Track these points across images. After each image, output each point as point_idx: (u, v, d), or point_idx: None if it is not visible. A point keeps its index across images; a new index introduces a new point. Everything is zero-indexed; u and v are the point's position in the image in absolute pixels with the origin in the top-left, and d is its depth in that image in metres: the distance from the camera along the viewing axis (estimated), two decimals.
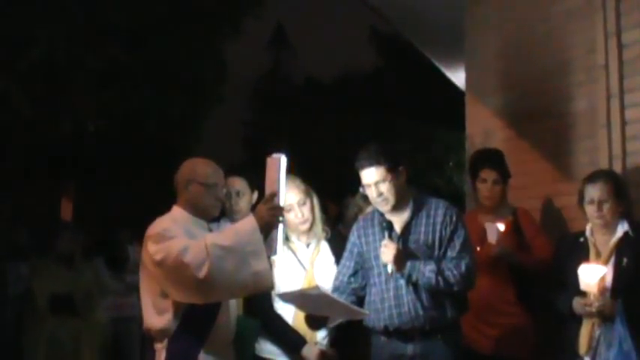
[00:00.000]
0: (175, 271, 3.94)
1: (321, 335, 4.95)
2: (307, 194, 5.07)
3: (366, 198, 4.96)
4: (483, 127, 6.94)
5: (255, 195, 5.58)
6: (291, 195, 4.95)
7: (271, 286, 4.17)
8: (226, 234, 4.05)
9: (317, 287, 4.48)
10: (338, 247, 5.07)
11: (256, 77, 32.77)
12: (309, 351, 4.85)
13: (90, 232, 10.18)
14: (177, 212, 4.35)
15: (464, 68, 7.49)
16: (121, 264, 8.99)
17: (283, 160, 4.01)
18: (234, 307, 4.50)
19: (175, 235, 4.07)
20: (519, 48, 6.61)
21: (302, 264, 5.04)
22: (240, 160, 24.52)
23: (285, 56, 34.05)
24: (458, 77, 9.12)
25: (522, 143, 6.42)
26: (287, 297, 4.65)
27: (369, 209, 5.25)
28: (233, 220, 5.13)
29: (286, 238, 5.05)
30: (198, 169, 4.39)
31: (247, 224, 3.97)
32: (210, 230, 4.37)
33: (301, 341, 4.87)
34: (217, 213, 4.54)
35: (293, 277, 4.98)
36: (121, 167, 15.45)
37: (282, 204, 4.01)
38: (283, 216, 4.06)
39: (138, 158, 15.38)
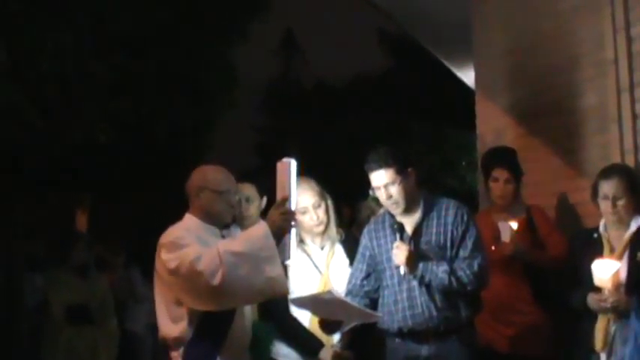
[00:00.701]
0: (189, 279, 3.94)
1: (338, 338, 4.94)
2: (322, 196, 5.06)
3: (378, 200, 4.96)
4: (494, 125, 6.92)
5: (264, 201, 5.58)
6: (306, 197, 4.96)
7: (286, 292, 4.17)
8: (239, 240, 4.05)
9: (330, 292, 4.48)
10: (352, 249, 5.05)
11: (267, 82, 32.80)
12: (326, 354, 4.84)
13: (109, 243, 10.21)
14: (189, 220, 4.36)
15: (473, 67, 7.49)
16: None
17: (293, 164, 4.00)
18: (249, 312, 4.49)
19: (188, 242, 4.08)
20: (527, 45, 6.60)
21: (317, 267, 5.04)
22: (253, 166, 24.51)
23: (295, 60, 34.05)
24: (468, 76, 9.10)
25: (533, 140, 6.40)
26: (300, 302, 4.64)
27: (381, 211, 5.25)
28: (242, 226, 5.13)
29: (301, 241, 5.06)
30: (209, 176, 4.39)
31: (260, 230, 3.97)
32: (223, 237, 4.36)
33: (318, 344, 4.86)
34: (230, 219, 4.54)
35: (308, 281, 4.98)
36: (134, 177, 15.47)
37: (293, 208, 4.01)
38: (295, 220, 4.05)
39: (151, 167, 15.40)
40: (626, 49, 5.48)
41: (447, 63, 9.94)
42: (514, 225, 5.42)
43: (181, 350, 4.15)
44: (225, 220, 4.42)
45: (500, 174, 5.67)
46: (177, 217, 4.42)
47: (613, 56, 5.58)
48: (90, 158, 13.09)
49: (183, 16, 13.11)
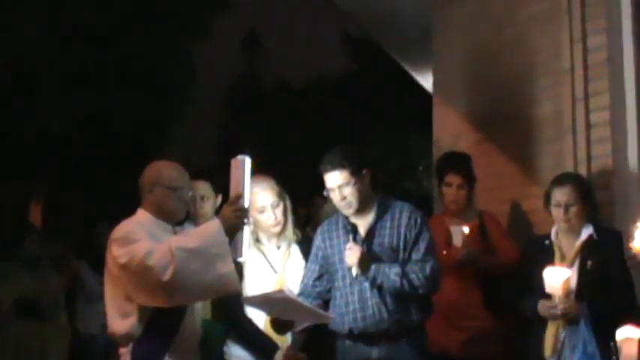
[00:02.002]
0: (140, 274, 3.91)
1: (291, 340, 4.91)
2: (281, 196, 5.03)
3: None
4: (451, 130, 6.97)
5: (220, 199, 5.56)
6: (264, 196, 4.94)
7: (237, 289, 4.14)
8: (191, 236, 4.03)
9: (281, 291, 4.46)
10: (308, 249, 5.04)
11: (229, 80, 32.73)
12: (281, 356, 4.81)
13: (66, 235, 10.06)
14: (142, 215, 4.32)
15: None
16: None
17: (247, 161, 3.98)
18: (199, 310, 4.47)
19: (140, 238, 4.04)
20: (486, 52, 6.65)
21: (273, 267, 5.01)
22: (213, 163, 24.43)
23: (257, 59, 34.01)
24: (427, 81, 9.15)
25: (490, 146, 6.45)
26: (252, 301, 4.62)
27: (326, 206, 5.27)
28: (197, 224, 5.11)
29: (257, 240, 5.04)
30: (163, 172, 4.35)
31: (212, 226, 3.95)
32: (175, 233, 4.33)
33: (273, 347, 4.81)
34: (183, 216, 4.52)
35: (264, 281, 4.94)
36: (91, 170, 15.35)
37: (246, 206, 3.99)
38: (248, 218, 4.04)
39: (108, 160, 15.29)
40: (583, 60, 5.54)
41: (407, 67, 9.99)
42: (466, 230, 5.44)
43: (130, 347, 4.11)
44: (177, 216, 4.39)
45: (454, 179, 5.70)
46: (130, 211, 4.39)
47: (569, 66, 5.63)
48: (43, 150, 12.95)
49: (146, 11, 13.05)
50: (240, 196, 3.96)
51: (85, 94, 12.21)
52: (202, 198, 5.54)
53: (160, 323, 4.11)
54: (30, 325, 7.38)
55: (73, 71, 11.79)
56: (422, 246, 4.60)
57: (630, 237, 3.41)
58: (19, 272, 7.52)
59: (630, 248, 3.40)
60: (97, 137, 14.12)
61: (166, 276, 3.81)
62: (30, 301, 7.38)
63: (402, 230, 4.62)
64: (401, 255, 4.60)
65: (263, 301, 4.51)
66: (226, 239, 3.92)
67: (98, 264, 4.34)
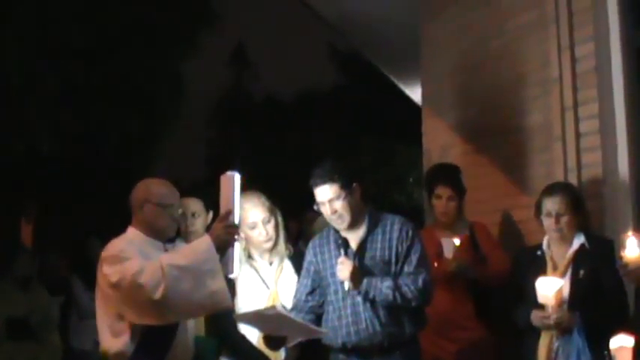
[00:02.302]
0: (131, 292, 3.90)
1: (284, 356, 4.90)
2: (272, 212, 5.02)
3: None
4: (440, 142, 6.97)
5: (211, 215, 5.55)
6: (256, 212, 4.93)
7: (228, 306, 4.12)
8: (182, 254, 4.02)
9: (273, 307, 4.46)
10: (300, 264, 5.02)
11: (217, 95, 32.74)
12: None
13: (57, 253, 10.01)
14: (132, 233, 4.31)
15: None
16: None
17: (237, 177, 3.98)
18: (192, 327, 4.45)
19: (131, 256, 4.03)
20: (474, 63, 6.66)
21: (265, 283, 5.00)
22: (202, 179, 24.40)
23: (245, 74, 34.03)
24: (416, 93, 9.16)
25: (479, 157, 6.45)
26: (244, 318, 4.62)
27: (319, 220, 5.26)
28: (188, 241, 5.09)
29: (249, 257, 5.04)
30: (153, 189, 4.35)
31: (203, 243, 3.95)
32: (166, 251, 4.32)
33: None
34: (173, 233, 4.50)
35: (257, 296, 4.94)
36: (80, 188, 15.33)
37: (237, 222, 3.98)
38: (238, 234, 4.03)
39: (97, 178, 15.27)
40: (571, 68, 5.54)
41: (395, 80, 10.00)
42: (457, 241, 5.44)
43: None
44: (168, 234, 4.38)
45: (443, 191, 5.69)
46: (120, 230, 4.37)
47: (558, 75, 5.63)
48: (32, 168, 12.92)
49: (133, 28, 13.05)
50: (230, 213, 3.96)
51: (74, 111, 12.19)
52: (194, 215, 5.53)
53: (152, 341, 4.10)
54: (21, 345, 7.34)
55: (61, 89, 11.77)
56: (414, 258, 4.59)
57: (622, 246, 3.40)
58: (10, 291, 7.50)
59: (621, 257, 3.39)
60: (86, 155, 14.10)
61: (157, 294, 3.81)
62: (21, 321, 7.35)
63: (394, 243, 4.61)
64: (393, 268, 4.60)
65: (255, 318, 4.49)
66: (217, 256, 3.92)
67: (91, 280, 4.32)
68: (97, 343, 6.83)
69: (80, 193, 15.42)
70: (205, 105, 30.76)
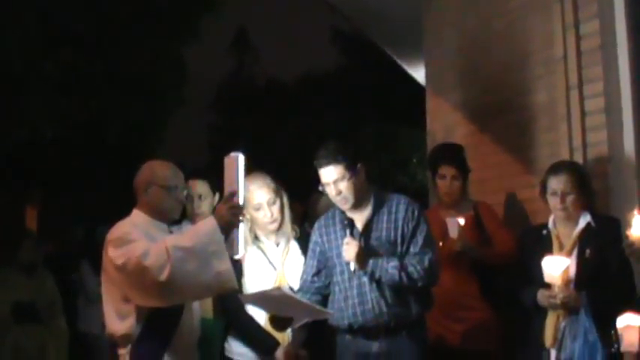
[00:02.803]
0: (137, 274, 3.90)
1: (292, 336, 4.89)
2: (277, 193, 5.01)
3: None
4: (444, 122, 6.95)
5: (217, 197, 5.54)
6: (261, 194, 4.92)
7: (234, 287, 4.11)
8: (187, 235, 4.02)
9: (278, 288, 4.46)
10: (306, 246, 5.02)
11: (219, 80, 32.70)
12: (282, 353, 4.80)
13: (59, 240, 10.04)
14: (137, 216, 4.31)
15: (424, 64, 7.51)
16: None
17: (241, 158, 3.96)
18: (197, 309, 4.46)
19: (136, 238, 4.04)
20: (478, 43, 6.63)
21: (272, 264, 5.00)
22: (205, 164, 24.40)
23: (247, 58, 33.96)
24: (419, 74, 9.13)
25: (484, 137, 6.44)
26: (250, 299, 4.62)
27: (323, 200, 5.25)
28: (195, 223, 5.09)
29: (256, 238, 5.04)
30: (157, 171, 4.34)
31: (207, 225, 3.94)
32: (171, 233, 4.33)
33: (274, 343, 4.81)
34: (178, 216, 4.50)
35: (264, 277, 4.93)
36: (84, 173, 15.35)
37: (241, 203, 3.97)
38: (243, 215, 4.02)
39: (101, 163, 15.28)
40: (575, 47, 5.51)
41: (398, 60, 9.97)
42: (461, 221, 5.43)
43: (129, 347, 4.10)
44: (173, 216, 4.38)
45: (447, 171, 5.68)
46: (125, 213, 4.37)
47: (562, 54, 5.60)
48: (36, 154, 12.93)
49: (135, 14, 13.02)
50: (234, 193, 3.94)
51: (76, 97, 12.17)
52: (200, 197, 5.54)
53: (158, 323, 4.11)
54: (28, 329, 7.39)
55: (64, 75, 11.74)
56: (420, 238, 4.58)
57: (628, 225, 3.38)
58: (16, 277, 7.54)
59: (628, 236, 3.37)
60: (90, 140, 14.10)
61: (163, 276, 3.81)
62: (27, 305, 7.39)
63: (400, 223, 4.61)
64: (399, 248, 4.59)
65: (261, 299, 4.50)
66: (222, 237, 3.91)
67: (98, 264, 4.32)
68: (104, 327, 6.86)
69: (85, 178, 15.44)
70: (208, 90, 30.72)
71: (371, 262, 4.50)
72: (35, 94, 11.24)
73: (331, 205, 4.86)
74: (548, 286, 4.57)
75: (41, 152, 13.55)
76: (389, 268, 4.48)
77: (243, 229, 4.04)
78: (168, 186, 4.28)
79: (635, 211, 3.38)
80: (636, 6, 5.39)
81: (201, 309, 4.65)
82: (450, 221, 5.46)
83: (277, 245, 5.07)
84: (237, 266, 4.41)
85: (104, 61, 12.75)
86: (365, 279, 4.56)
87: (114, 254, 4.01)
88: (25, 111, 11.11)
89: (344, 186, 4.56)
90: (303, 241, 5.08)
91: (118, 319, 4.12)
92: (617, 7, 5.36)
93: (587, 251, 4.65)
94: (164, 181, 4.29)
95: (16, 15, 10.30)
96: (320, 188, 4.70)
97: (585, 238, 4.70)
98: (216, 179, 5.35)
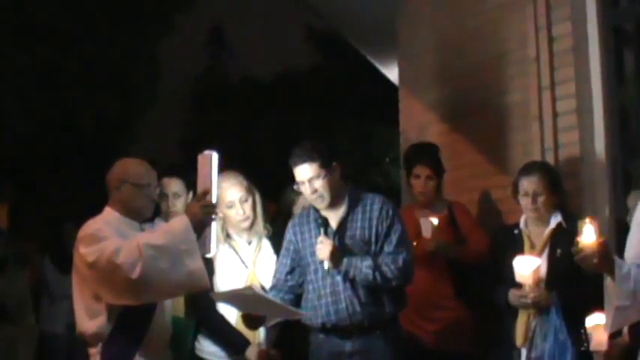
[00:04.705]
0: (108, 272, 3.88)
1: (263, 336, 4.90)
2: (249, 191, 5.00)
3: (297, 192, 4.94)
4: (418, 121, 6.97)
5: (191, 195, 5.53)
6: (233, 192, 4.91)
7: (206, 285, 4.10)
8: (159, 233, 4.00)
9: (250, 287, 4.45)
10: (279, 244, 5.01)
11: (194, 76, 32.56)
12: (252, 352, 4.79)
13: (31, 235, 9.95)
14: (109, 213, 4.28)
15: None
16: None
17: (215, 156, 3.95)
18: (169, 307, 4.44)
19: (107, 236, 4.01)
20: (452, 42, 6.65)
21: (244, 262, 4.99)
22: (178, 161, 24.32)
23: (222, 55, 33.84)
24: (393, 73, 9.14)
25: (457, 137, 6.46)
26: (221, 297, 4.61)
27: (301, 201, 5.25)
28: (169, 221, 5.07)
29: (228, 236, 5.03)
30: (130, 169, 4.32)
31: (180, 223, 3.93)
32: (143, 231, 4.30)
33: (245, 342, 4.80)
34: (150, 214, 4.48)
35: (235, 276, 4.92)
36: (55, 170, 15.24)
37: (214, 201, 3.97)
38: (216, 213, 4.01)
39: (73, 159, 15.17)
40: (548, 48, 5.56)
41: (372, 59, 9.98)
42: (435, 221, 5.44)
43: (100, 346, 4.07)
44: (145, 214, 4.36)
45: (422, 171, 5.69)
46: (96, 210, 4.34)
47: (535, 55, 5.65)
48: (7, 150, 12.80)
49: (109, 9, 12.95)
50: (207, 192, 3.94)
51: (49, 93, 12.10)
52: (175, 195, 5.51)
53: (129, 322, 4.09)
54: None
55: (36, 70, 11.67)
56: (394, 238, 4.58)
57: (579, 232, 3.44)
58: None
59: (577, 242, 3.43)
60: (62, 137, 14.01)
61: (135, 274, 3.79)
62: None
63: (374, 222, 4.60)
64: (373, 247, 4.59)
65: (233, 298, 4.49)
66: (194, 235, 3.90)
67: (63, 263, 4.29)
68: (68, 326, 6.80)
69: (56, 175, 15.33)
70: (182, 87, 30.60)
71: (345, 261, 4.50)
72: (7, 89, 11.16)
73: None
74: (519, 285, 4.60)
75: (13, 148, 13.45)
76: (363, 267, 4.48)
77: (215, 228, 4.04)
78: (140, 184, 4.25)
79: (586, 219, 3.43)
80: (608, 8, 5.44)
81: (174, 308, 4.63)
82: (423, 221, 5.47)
83: (249, 244, 5.06)
84: (209, 264, 4.40)
85: (77, 56, 12.68)
86: (339, 278, 4.55)
87: (85, 251, 3.98)
88: None
89: (319, 184, 4.55)
90: (276, 240, 5.08)
91: (89, 317, 4.07)
92: (589, 10, 5.42)
93: (558, 251, 4.70)
94: (137, 179, 4.26)
95: None
96: (295, 187, 4.69)
97: (556, 238, 4.74)
98: (191, 177, 5.34)
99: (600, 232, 3.48)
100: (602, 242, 3.42)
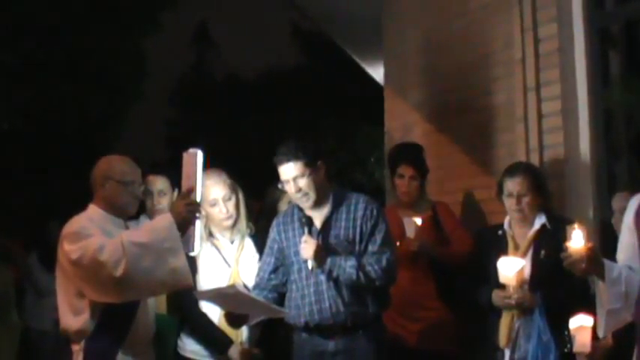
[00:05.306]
0: (92, 270, 3.87)
1: (246, 335, 4.89)
2: (233, 190, 4.99)
3: (281, 190, 4.94)
4: (402, 121, 6.98)
5: (176, 193, 5.52)
6: (216, 190, 4.90)
7: (189, 283, 4.09)
8: (143, 231, 4.00)
9: (233, 286, 4.44)
10: (262, 243, 5.00)
11: (179, 74, 32.51)
12: (235, 351, 4.78)
13: (18, 233, 9.93)
14: (93, 211, 4.26)
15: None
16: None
17: (199, 155, 3.95)
18: (152, 305, 4.44)
19: (92, 233, 4.00)
20: (437, 42, 6.66)
21: (226, 261, 4.98)
22: (163, 159, 24.25)
23: (208, 54, 33.79)
24: (378, 73, 9.15)
25: (441, 137, 6.46)
26: (204, 295, 4.60)
27: (285, 199, 5.24)
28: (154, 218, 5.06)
29: (210, 234, 5.01)
30: (114, 166, 4.30)
31: (164, 221, 3.93)
32: (127, 228, 4.29)
33: (227, 341, 4.79)
34: (134, 211, 4.47)
35: (217, 274, 4.91)
36: (40, 167, 15.19)
37: (199, 199, 3.96)
38: (200, 212, 4.01)
39: (58, 156, 15.12)
40: (534, 49, 5.57)
41: (358, 59, 9.98)
42: (419, 221, 5.44)
43: (82, 343, 4.06)
44: (129, 211, 4.35)
45: (406, 171, 5.69)
46: (81, 207, 4.33)
47: (521, 56, 5.66)
48: None
49: (94, 4, 12.91)
50: (191, 190, 3.93)
51: (33, 90, 12.05)
52: (160, 193, 5.50)
53: (113, 319, 4.09)
54: None
55: (21, 67, 11.63)
56: (378, 238, 4.58)
57: (568, 237, 3.45)
58: None
59: (566, 248, 3.44)
60: (46, 134, 13.96)
61: (118, 271, 3.79)
62: None
63: (358, 222, 4.60)
64: (357, 247, 4.59)
65: (216, 296, 4.49)
66: (178, 233, 3.90)
67: (48, 259, 4.28)
68: (55, 323, 6.76)
69: (40, 172, 15.27)
70: (167, 83, 30.53)
71: (329, 260, 4.50)
72: None
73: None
74: (503, 286, 4.61)
75: None
76: (347, 267, 4.48)
77: (199, 226, 4.03)
78: (125, 181, 4.24)
79: (575, 225, 3.44)
80: (594, 10, 5.46)
81: (156, 305, 4.62)
82: (407, 221, 5.47)
83: (232, 242, 5.05)
84: (192, 263, 4.39)
85: (63, 53, 12.64)
86: (322, 277, 4.55)
87: (69, 248, 3.97)
88: None
89: (304, 183, 4.54)
90: (259, 239, 5.08)
91: (72, 314, 4.07)
92: (575, 11, 5.43)
93: (542, 252, 4.71)
94: (121, 176, 4.25)
95: None
96: (279, 186, 4.69)
97: (540, 239, 4.75)
98: (176, 174, 5.33)
99: (589, 236, 3.48)
100: (591, 247, 3.43)
